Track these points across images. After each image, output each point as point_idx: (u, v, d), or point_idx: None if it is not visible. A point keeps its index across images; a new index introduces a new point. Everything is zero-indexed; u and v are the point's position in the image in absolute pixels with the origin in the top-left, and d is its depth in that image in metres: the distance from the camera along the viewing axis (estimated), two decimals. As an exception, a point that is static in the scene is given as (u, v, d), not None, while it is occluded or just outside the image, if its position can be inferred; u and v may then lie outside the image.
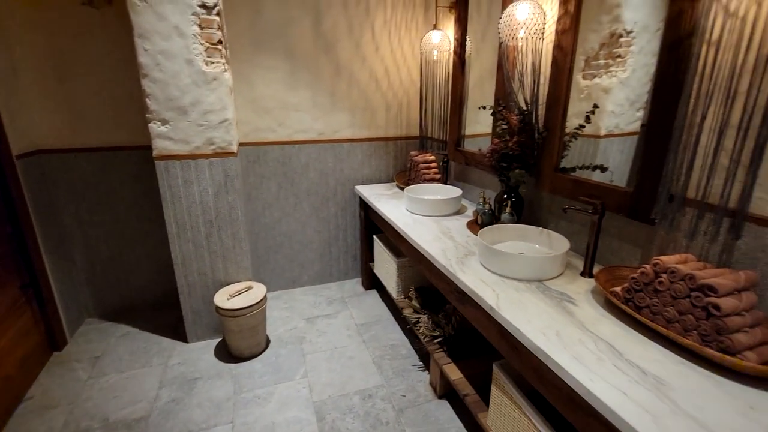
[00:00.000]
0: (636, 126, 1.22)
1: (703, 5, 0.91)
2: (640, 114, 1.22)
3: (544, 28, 1.39)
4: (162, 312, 2.33)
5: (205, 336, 2.06)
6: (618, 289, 1.04)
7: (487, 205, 1.61)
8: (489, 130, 1.82)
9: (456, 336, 1.64)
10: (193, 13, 1.61)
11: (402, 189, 2.32)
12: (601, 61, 1.28)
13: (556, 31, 1.34)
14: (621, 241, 1.23)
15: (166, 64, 1.63)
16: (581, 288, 1.16)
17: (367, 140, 2.48)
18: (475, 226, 1.68)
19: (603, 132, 1.33)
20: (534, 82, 1.45)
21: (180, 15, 1.60)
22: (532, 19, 1.37)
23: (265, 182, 2.33)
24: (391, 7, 2.29)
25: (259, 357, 1.95)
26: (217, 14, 1.66)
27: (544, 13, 1.37)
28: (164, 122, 1.70)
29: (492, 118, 1.73)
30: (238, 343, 1.89)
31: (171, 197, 1.80)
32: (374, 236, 2.35)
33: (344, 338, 2.10)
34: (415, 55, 2.43)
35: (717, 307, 0.82)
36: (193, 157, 1.78)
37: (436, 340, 1.67)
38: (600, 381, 0.79)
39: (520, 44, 1.45)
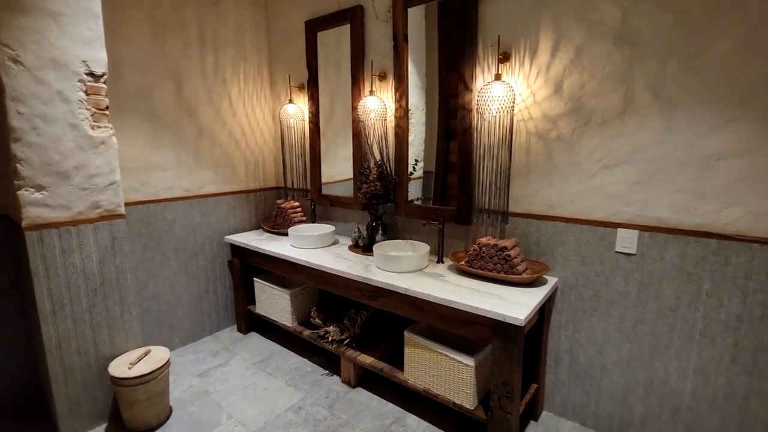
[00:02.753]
0: (420, 173, 2.14)
1: (473, 114, 1.86)
2: (421, 164, 2.16)
3: (386, 113, 2.18)
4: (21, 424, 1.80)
5: (84, 427, 1.78)
6: (463, 262, 1.85)
7: (366, 231, 2.23)
8: (341, 177, 2.49)
9: (361, 334, 2.14)
10: (80, 80, 1.61)
11: (273, 233, 2.66)
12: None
13: (395, 116, 2.15)
14: (452, 239, 2.08)
15: (45, 128, 1.54)
16: (442, 269, 1.93)
17: (231, 194, 2.70)
18: (355, 249, 2.27)
19: (414, 176, 2.20)
20: (384, 147, 2.21)
21: (64, 81, 1.57)
22: (379, 107, 2.14)
23: (130, 244, 2.21)
24: (244, 81, 2.69)
25: (167, 423, 1.86)
26: (104, 82, 1.70)
27: (385, 104, 2.17)
28: (39, 188, 1.56)
29: (349, 167, 2.41)
30: (145, 413, 1.78)
31: (45, 271, 1.60)
32: (255, 279, 2.57)
33: (249, 376, 2.23)
34: (266, 120, 2.87)
35: (509, 256, 1.70)
36: (74, 223, 1.66)
37: (345, 342, 2.12)
38: (478, 302, 1.51)
39: (372, 122, 2.20)
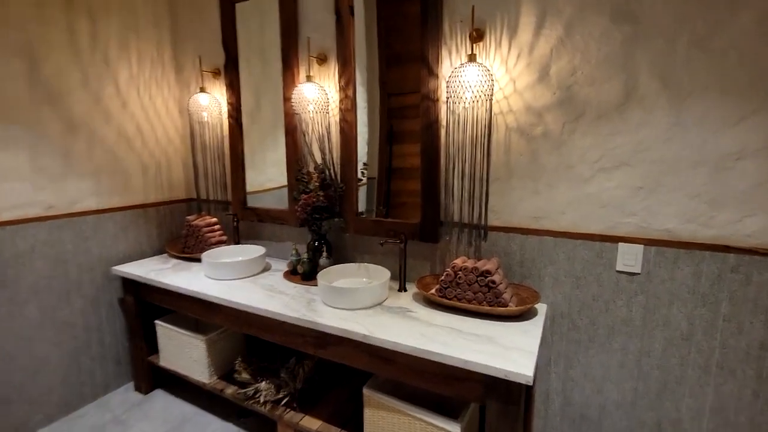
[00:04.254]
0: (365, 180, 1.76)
1: (438, 106, 1.50)
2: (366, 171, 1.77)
3: (328, 105, 1.74)
4: None
5: None
6: (433, 290, 1.46)
7: (306, 254, 1.75)
8: (273, 185, 2.00)
9: (305, 388, 1.65)
10: None
11: (183, 259, 2.06)
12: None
13: (340, 109, 1.72)
14: (416, 259, 1.70)
15: None
16: (407, 300, 1.52)
17: (121, 209, 2.05)
18: (293, 276, 1.78)
19: (362, 183, 1.80)
20: (327, 146, 1.76)
21: None
22: (319, 97, 1.69)
23: (-52, 289, 1.49)
24: (137, 63, 2.07)
25: None
26: None
27: (327, 94, 1.73)
28: None
29: (281, 173, 1.92)
30: None
31: None
32: (157, 322, 1.94)
33: (148, 463, 1.62)
34: (171, 114, 2.26)
35: (493, 282, 1.35)
36: None
37: (283, 402, 1.61)
38: (464, 351, 1.13)
39: (311, 116, 1.74)
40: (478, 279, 1.37)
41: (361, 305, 1.44)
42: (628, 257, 1.31)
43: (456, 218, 1.55)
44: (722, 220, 1.19)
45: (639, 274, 1.31)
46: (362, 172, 1.79)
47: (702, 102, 1.16)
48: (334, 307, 1.44)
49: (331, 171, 1.77)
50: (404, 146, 1.73)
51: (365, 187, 1.85)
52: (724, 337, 1.23)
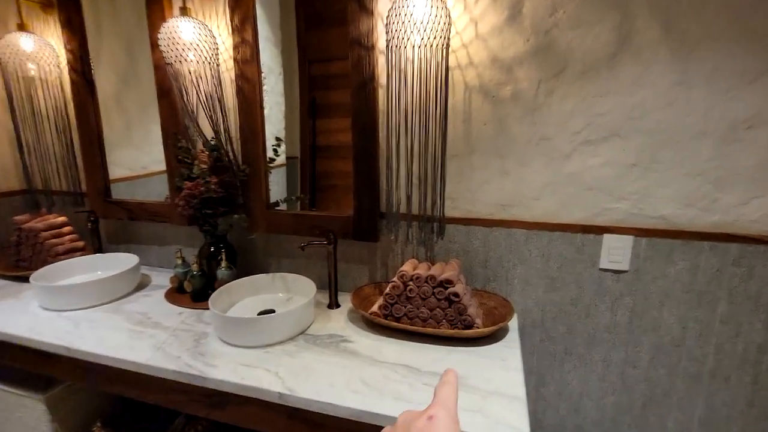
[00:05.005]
0: (283, 159, 1.33)
1: (375, 56, 1.08)
2: (283, 148, 1.33)
3: (217, 54, 1.22)
4: None
5: None
6: (375, 308, 1.08)
7: (194, 264, 1.25)
8: (159, 168, 1.43)
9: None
10: None
11: (16, 279, 1.42)
12: (288, 96, 1.29)
13: (236, 60, 1.21)
14: (349, 263, 1.30)
15: None
16: (340, 322, 1.12)
17: None
18: (179, 296, 1.27)
19: (276, 163, 1.35)
20: (221, 114, 1.25)
21: None
22: (203, 41, 1.17)
23: None
24: None
25: None
26: None
27: (214, 37, 1.21)
28: None
29: (162, 154, 1.37)
30: None
31: None
32: (-34, 376, 1.30)
33: None
34: (-22, 67, 1.52)
35: (456, 294, 1.01)
36: None
37: (169, 478, 1.13)
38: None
39: (192, 69, 1.21)
40: (435, 291, 1.02)
41: (276, 339, 1.01)
42: (615, 252, 1.06)
43: (402, 209, 1.17)
44: (726, 203, 0.97)
45: (626, 271, 1.06)
46: (274, 150, 1.32)
47: (713, 54, 0.91)
48: (235, 346, 0.99)
49: (229, 148, 1.27)
50: (332, 121, 1.32)
51: (283, 170, 1.39)
52: (720, 341, 1.04)
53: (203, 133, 1.27)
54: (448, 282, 1.01)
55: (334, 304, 1.21)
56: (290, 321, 1.02)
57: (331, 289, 1.20)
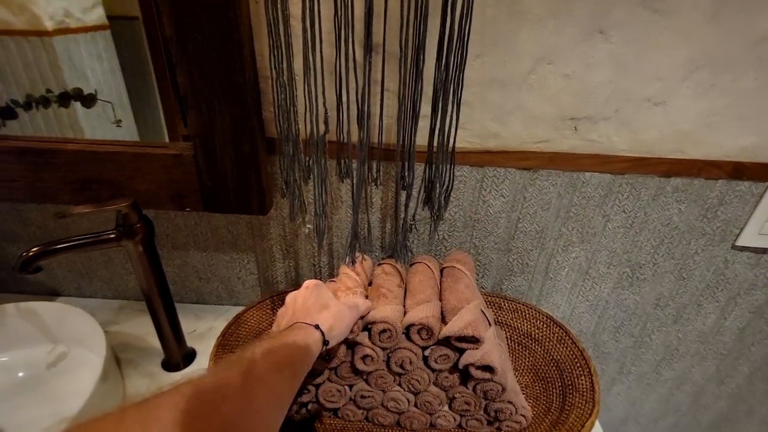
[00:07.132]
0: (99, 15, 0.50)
1: None
2: None
3: None
4: None
5: None
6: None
7: None
8: None
9: None
10: None
11: None
12: None
13: None
14: (207, 252, 0.58)
15: None
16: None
17: None
18: None
19: (49, 25, 0.50)
20: None
21: None
22: None
23: None
24: None
25: None
26: None
27: None
28: None
29: None
30: None
31: None
32: None
33: None
34: None
35: (490, 368, 0.39)
36: None
37: None
38: None
39: None
40: (438, 358, 0.39)
41: None
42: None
43: (341, 133, 0.44)
44: None
45: (776, 249, 0.54)
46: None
47: None
48: None
49: None
50: None
51: (76, 37, 0.52)
52: None
53: None
54: (489, 368, 0.38)
55: (178, 358, 0.52)
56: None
57: (163, 336, 0.49)
